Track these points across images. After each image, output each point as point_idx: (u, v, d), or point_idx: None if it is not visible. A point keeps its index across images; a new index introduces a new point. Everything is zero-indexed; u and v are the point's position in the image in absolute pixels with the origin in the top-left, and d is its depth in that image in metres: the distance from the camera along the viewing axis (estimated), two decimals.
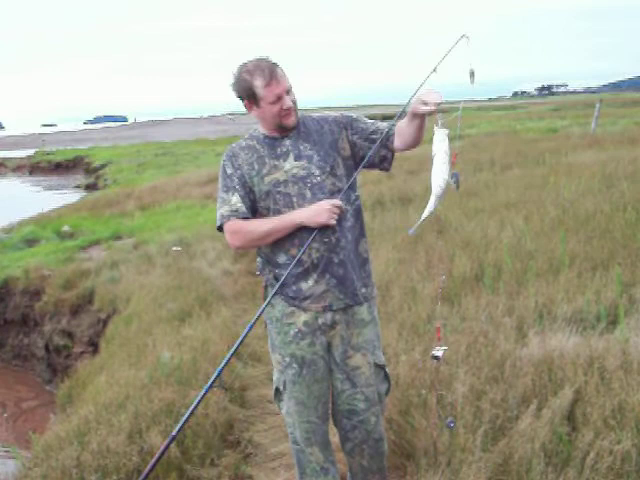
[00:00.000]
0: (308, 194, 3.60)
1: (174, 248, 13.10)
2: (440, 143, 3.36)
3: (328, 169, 3.65)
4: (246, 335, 3.46)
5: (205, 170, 28.09)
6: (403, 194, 13.37)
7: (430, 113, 3.35)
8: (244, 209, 3.58)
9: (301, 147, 3.67)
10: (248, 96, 3.56)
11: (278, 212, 3.61)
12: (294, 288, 3.66)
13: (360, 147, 3.75)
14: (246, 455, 5.24)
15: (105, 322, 10.85)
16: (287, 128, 3.64)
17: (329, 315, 3.67)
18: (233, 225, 3.58)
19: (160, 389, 5.58)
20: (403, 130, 3.62)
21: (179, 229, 15.29)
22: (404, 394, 4.84)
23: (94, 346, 10.74)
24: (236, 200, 3.59)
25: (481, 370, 4.92)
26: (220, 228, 3.65)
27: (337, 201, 3.54)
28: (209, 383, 3.35)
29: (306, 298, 3.65)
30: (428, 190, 3.42)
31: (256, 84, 3.50)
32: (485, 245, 8.38)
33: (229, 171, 3.66)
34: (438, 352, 3.67)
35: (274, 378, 3.92)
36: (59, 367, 12.00)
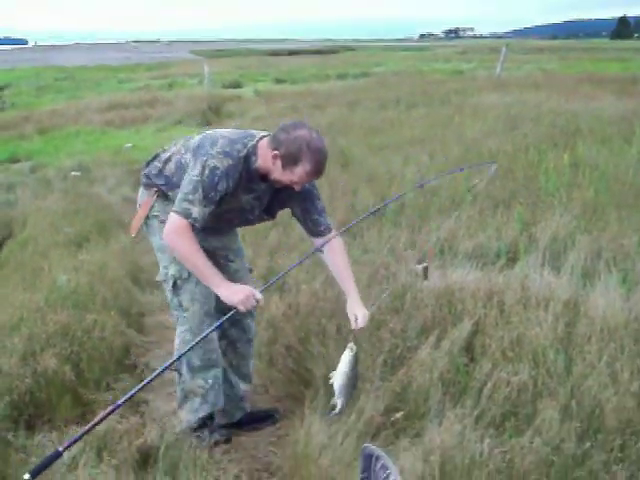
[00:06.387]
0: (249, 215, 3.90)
1: (73, 173, 12.77)
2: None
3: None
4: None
5: (106, 96, 27.45)
6: None
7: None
8: (201, 223, 3.54)
9: (268, 196, 3.85)
10: (288, 159, 3.52)
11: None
12: None
13: (295, 215, 4.02)
14: (142, 380, 5.15)
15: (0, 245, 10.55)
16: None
17: None
18: (183, 226, 3.52)
19: (56, 312, 5.41)
20: (330, 261, 4.04)
21: (79, 154, 14.94)
22: (304, 322, 4.82)
23: None
24: (206, 212, 3.54)
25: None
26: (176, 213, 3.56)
27: (259, 295, 3.58)
28: None
29: None
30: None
31: (304, 164, 3.51)
32: (389, 180, 8.40)
33: (220, 187, 3.54)
34: None
35: (171, 272, 3.90)
36: None
